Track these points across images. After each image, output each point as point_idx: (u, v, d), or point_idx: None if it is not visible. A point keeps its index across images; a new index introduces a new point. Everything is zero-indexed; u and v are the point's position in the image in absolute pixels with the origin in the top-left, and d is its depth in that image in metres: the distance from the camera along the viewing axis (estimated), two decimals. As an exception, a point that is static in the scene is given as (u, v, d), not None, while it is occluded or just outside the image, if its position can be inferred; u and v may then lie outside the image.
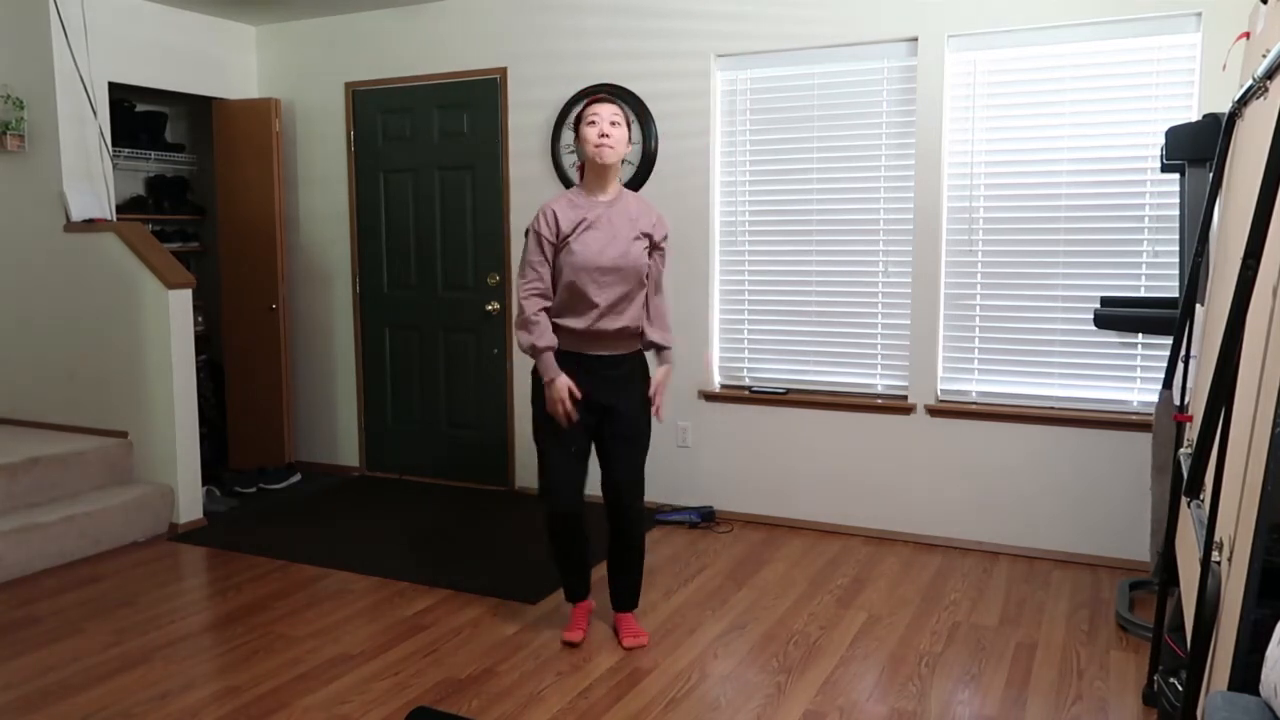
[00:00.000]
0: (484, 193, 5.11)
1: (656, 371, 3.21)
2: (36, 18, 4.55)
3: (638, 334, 3.18)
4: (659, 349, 3.22)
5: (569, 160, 4.85)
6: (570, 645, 3.24)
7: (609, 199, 3.10)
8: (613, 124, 3.03)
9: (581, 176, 3.15)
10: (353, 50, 5.33)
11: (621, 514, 3.20)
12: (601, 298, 3.04)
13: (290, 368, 5.56)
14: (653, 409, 3.19)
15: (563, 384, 3.03)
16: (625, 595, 3.32)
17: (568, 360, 3.10)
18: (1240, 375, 1.75)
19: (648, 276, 3.16)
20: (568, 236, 3.04)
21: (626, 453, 3.17)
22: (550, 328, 3.07)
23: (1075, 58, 3.91)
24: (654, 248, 3.16)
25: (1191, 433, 2.67)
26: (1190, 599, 2.04)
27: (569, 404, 3.04)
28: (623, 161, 3.12)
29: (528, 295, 3.06)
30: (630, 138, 3.12)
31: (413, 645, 3.26)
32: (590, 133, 3.02)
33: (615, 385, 3.14)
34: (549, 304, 3.08)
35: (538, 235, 3.08)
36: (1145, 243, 3.88)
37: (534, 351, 3.06)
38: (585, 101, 3.13)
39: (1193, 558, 2.05)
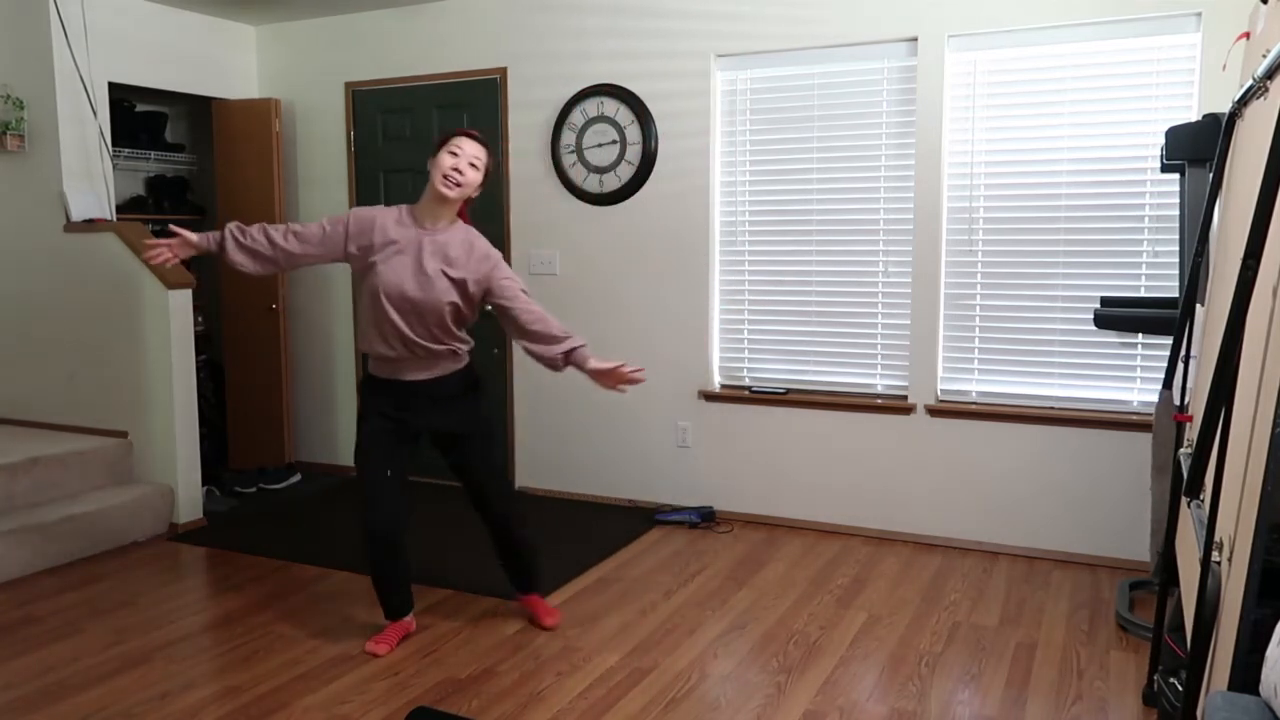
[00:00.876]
0: (483, 192, 5.08)
1: (592, 364, 3.01)
2: (36, 18, 4.55)
3: (451, 356, 3.13)
4: (569, 355, 3.01)
5: (569, 160, 4.85)
6: (373, 655, 3.17)
7: (431, 231, 3.03)
8: (471, 165, 2.99)
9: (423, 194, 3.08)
10: (353, 50, 5.33)
11: (487, 511, 3.30)
12: (404, 325, 3.01)
13: (290, 368, 5.55)
14: (627, 377, 2.98)
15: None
16: (519, 578, 3.40)
17: (382, 389, 3.13)
18: (1240, 375, 1.75)
19: (496, 300, 3.05)
20: (374, 254, 3.02)
21: (480, 464, 3.26)
22: (243, 235, 3.04)
23: (1075, 58, 3.91)
24: (487, 283, 3.04)
25: (1191, 433, 2.67)
26: (1190, 599, 2.04)
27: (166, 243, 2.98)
28: (474, 192, 3.08)
29: (304, 232, 3.08)
30: (480, 185, 3.06)
31: (413, 645, 3.26)
32: (445, 161, 2.96)
33: (441, 409, 3.16)
34: (271, 231, 3.06)
35: (340, 217, 3.08)
36: (1145, 243, 3.88)
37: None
38: (455, 132, 3.05)
39: (1193, 558, 2.05)
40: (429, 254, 3.01)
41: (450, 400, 3.18)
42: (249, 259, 3.06)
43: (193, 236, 3.03)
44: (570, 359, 3.02)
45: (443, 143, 3.01)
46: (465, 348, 3.18)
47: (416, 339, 3.04)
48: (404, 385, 3.12)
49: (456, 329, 3.10)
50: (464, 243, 3.07)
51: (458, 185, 2.98)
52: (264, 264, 3.08)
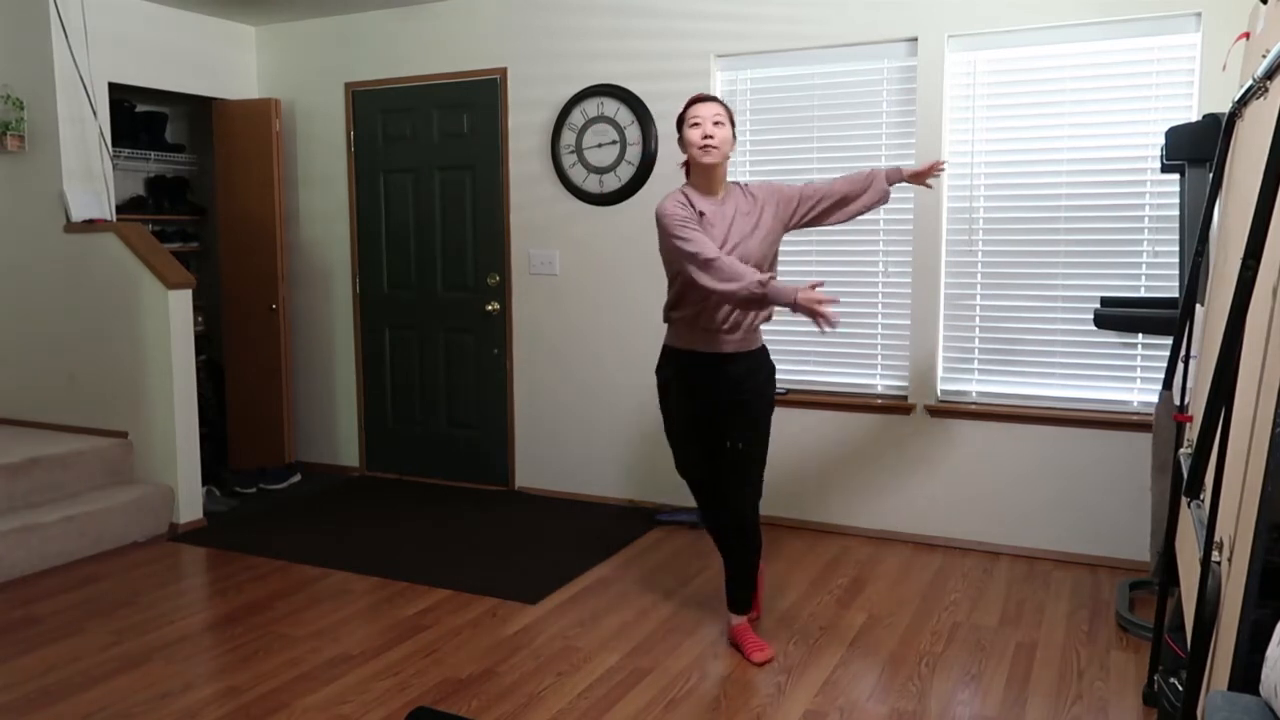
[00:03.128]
0: (484, 193, 5.11)
1: (906, 170, 3.17)
2: (36, 18, 4.55)
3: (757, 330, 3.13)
4: (888, 175, 3.15)
5: (569, 160, 4.85)
6: (767, 662, 3.12)
7: (719, 200, 3.06)
8: (716, 124, 2.99)
9: (688, 175, 3.12)
10: (353, 50, 5.33)
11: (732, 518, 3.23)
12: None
13: (290, 368, 5.55)
14: (937, 169, 3.15)
15: (800, 288, 2.79)
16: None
17: (692, 360, 3.09)
18: (1240, 375, 1.75)
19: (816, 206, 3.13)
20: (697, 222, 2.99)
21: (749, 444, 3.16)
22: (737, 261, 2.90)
23: (1075, 58, 3.91)
24: (791, 200, 3.10)
25: (1191, 433, 2.66)
26: (1190, 599, 2.04)
27: (818, 294, 2.78)
28: (728, 159, 3.07)
29: (697, 241, 2.88)
30: (733, 136, 3.07)
31: (413, 645, 3.26)
32: (694, 135, 2.98)
33: (739, 383, 3.11)
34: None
35: (676, 216, 2.96)
36: (1145, 243, 3.88)
37: (757, 287, 2.80)
38: (688, 102, 3.06)
39: (1193, 558, 2.05)
40: (731, 219, 3.03)
41: (748, 377, 3.14)
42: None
43: (796, 286, 2.84)
44: (891, 177, 3.16)
45: (681, 122, 3.04)
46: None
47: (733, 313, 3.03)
48: (718, 358, 3.09)
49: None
50: (744, 194, 3.10)
51: (715, 148, 2.98)
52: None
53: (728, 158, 3.06)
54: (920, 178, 3.19)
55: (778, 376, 4.53)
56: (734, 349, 3.08)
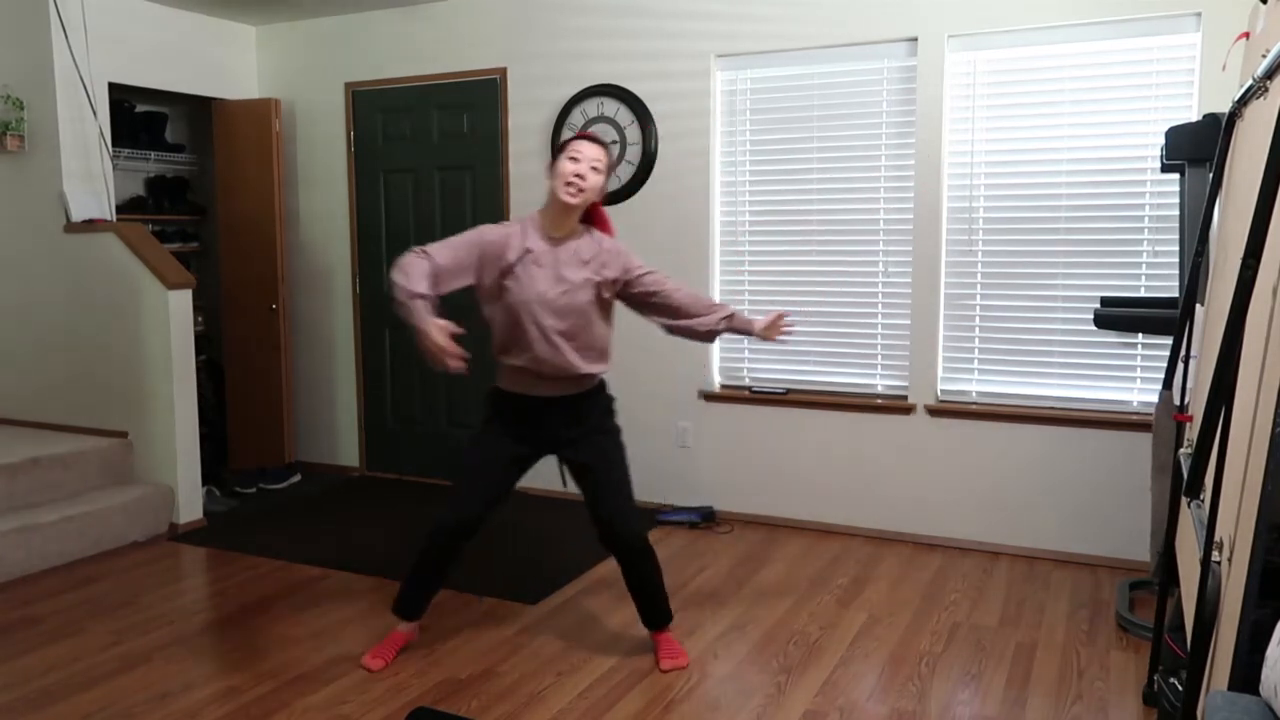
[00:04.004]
0: (484, 193, 5.11)
1: (757, 324, 3.06)
2: (36, 18, 4.55)
3: (591, 371, 3.03)
4: (726, 321, 3.03)
5: (569, 160, 4.85)
6: (367, 670, 3.06)
7: (558, 242, 2.95)
8: (593, 169, 2.89)
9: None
10: (353, 50, 5.33)
11: (615, 541, 3.05)
12: (547, 333, 2.92)
13: (290, 368, 5.55)
14: (782, 326, 3.01)
15: (435, 326, 2.73)
16: (648, 613, 3.16)
17: (516, 404, 3.03)
18: (1240, 375, 1.75)
19: (643, 294, 3.02)
20: (513, 264, 2.91)
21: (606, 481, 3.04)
22: (426, 273, 2.81)
23: (1075, 58, 3.91)
24: (625, 283, 3.00)
25: (1191, 433, 2.67)
26: (1190, 599, 2.05)
27: (444, 343, 2.72)
28: (609, 179, 3.00)
29: (430, 251, 2.85)
30: (605, 186, 2.99)
31: (413, 646, 3.26)
32: (567, 167, 2.87)
33: (570, 425, 3.04)
34: (434, 264, 2.85)
35: (478, 231, 2.94)
36: (1145, 243, 3.88)
37: (405, 297, 2.76)
38: (577, 134, 2.99)
39: (1193, 558, 2.05)
40: (565, 262, 2.93)
41: (584, 417, 3.07)
42: (431, 281, 2.87)
43: (436, 321, 2.77)
44: (732, 324, 3.05)
45: (562, 148, 2.93)
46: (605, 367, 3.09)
47: (562, 350, 2.94)
48: (541, 401, 3.02)
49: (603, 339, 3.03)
50: (591, 243, 3.00)
51: (580, 192, 2.87)
52: (434, 281, 2.88)
53: (587, 204, 2.97)
54: (769, 332, 3.06)
55: (778, 377, 4.57)
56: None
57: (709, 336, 3.10)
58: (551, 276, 2.92)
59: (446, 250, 2.89)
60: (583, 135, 2.97)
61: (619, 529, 3.00)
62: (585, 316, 2.95)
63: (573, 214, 2.95)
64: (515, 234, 2.95)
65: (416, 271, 2.81)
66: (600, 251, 2.99)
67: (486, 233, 2.95)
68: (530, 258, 2.92)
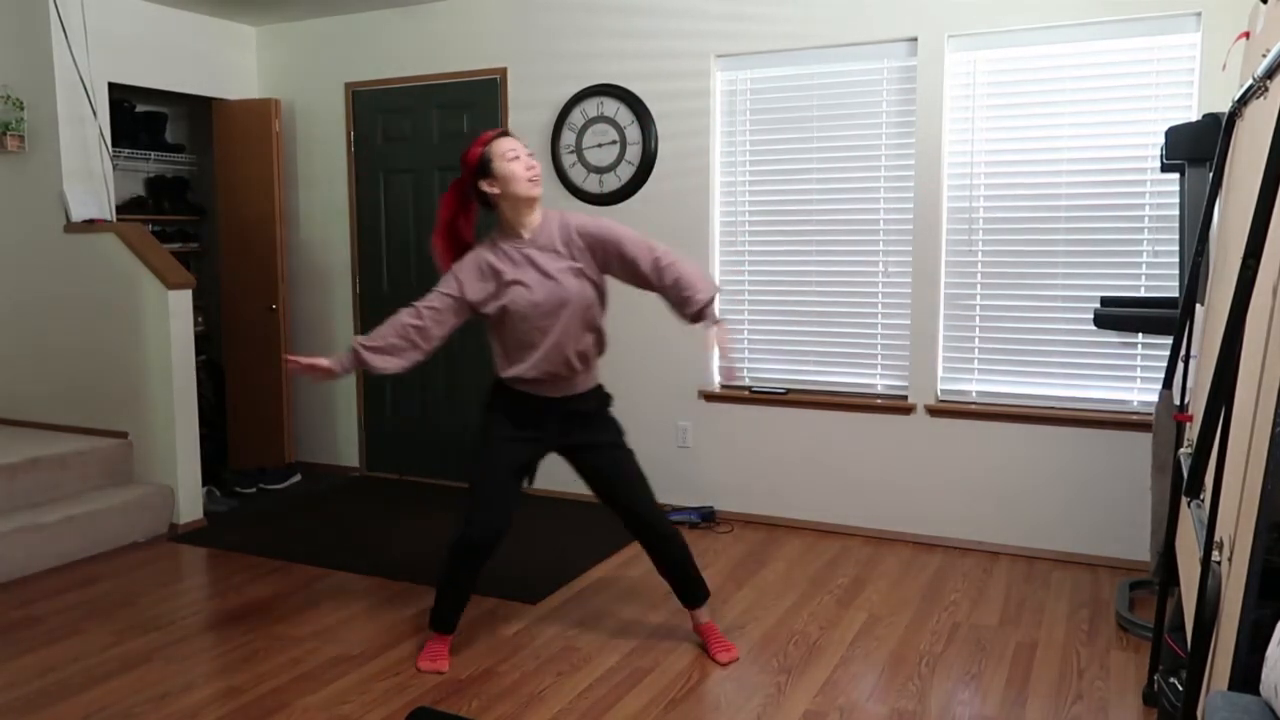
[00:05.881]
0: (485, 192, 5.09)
1: (712, 333, 2.90)
2: (36, 18, 4.55)
3: (592, 365, 3.06)
4: (700, 307, 2.92)
5: (569, 160, 4.85)
6: (439, 673, 3.07)
7: (528, 240, 2.96)
8: (530, 154, 2.94)
9: (461, 241, 3.04)
10: (353, 50, 5.33)
11: (642, 527, 3.12)
12: (547, 335, 2.93)
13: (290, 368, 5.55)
14: (725, 370, 2.96)
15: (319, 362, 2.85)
16: (687, 591, 3.18)
17: (519, 402, 3.03)
18: (1240, 375, 1.75)
19: (630, 265, 2.95)
20: (497, 286, 2.93)
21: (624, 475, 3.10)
22: (372, 341, 2.90)
23: (1075, 58, 3.91)
24: (599, 251, 2.96)
25: (1191, 433, 2.67)
26: (1190, 599, 2.05)
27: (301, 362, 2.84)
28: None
29: (415, 312, 2.92)
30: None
31: (413, 645, 3.26)
32: (517, 168, 2.88)
33: (583, 423, 3.08)
34: (404, 319, 2.92)
35: (454, 273, 2.96)
36: (1145, 243, 3.88)
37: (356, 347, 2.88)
38: (487, 139, 2.94)
39: (1193, 558, 2.05)
40: (543, 259, 2.95)
41: (588, 413, 3.10)
42: (391, 359, 2.91)
43: (324, 363, 2.88)
44: (705, 314, 2.93)
45: (483, 161, 2.91)
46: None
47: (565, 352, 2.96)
48: (544, 401, 3.04)
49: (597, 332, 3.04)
50: (561, 227, 2.98)
51: (538, 177, 2.94)
52: (410, 355, 2.92)
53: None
54: (719, 343, 2.93)
55: (778, 377, 4.57)
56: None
57: (682, 311, 2.98)
58: (536, 278, 2.93)
59: (431, 315, 2.93)
60: (497, 135, 2.95)
61: (643, 514, 3.08)
62: (577, 307, 2.95)
63: (536, 206, 2.97)
64: (484, 262, 2.96)
65: (389, 333, 2.90)
66: (568, 232, 2.97)
67: (460, 265, 2.97)
68: (509, 272, 2.93)
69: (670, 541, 3.12)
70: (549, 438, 3.09)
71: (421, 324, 2.92)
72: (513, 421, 3.06)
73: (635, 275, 2.98)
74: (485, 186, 2.95)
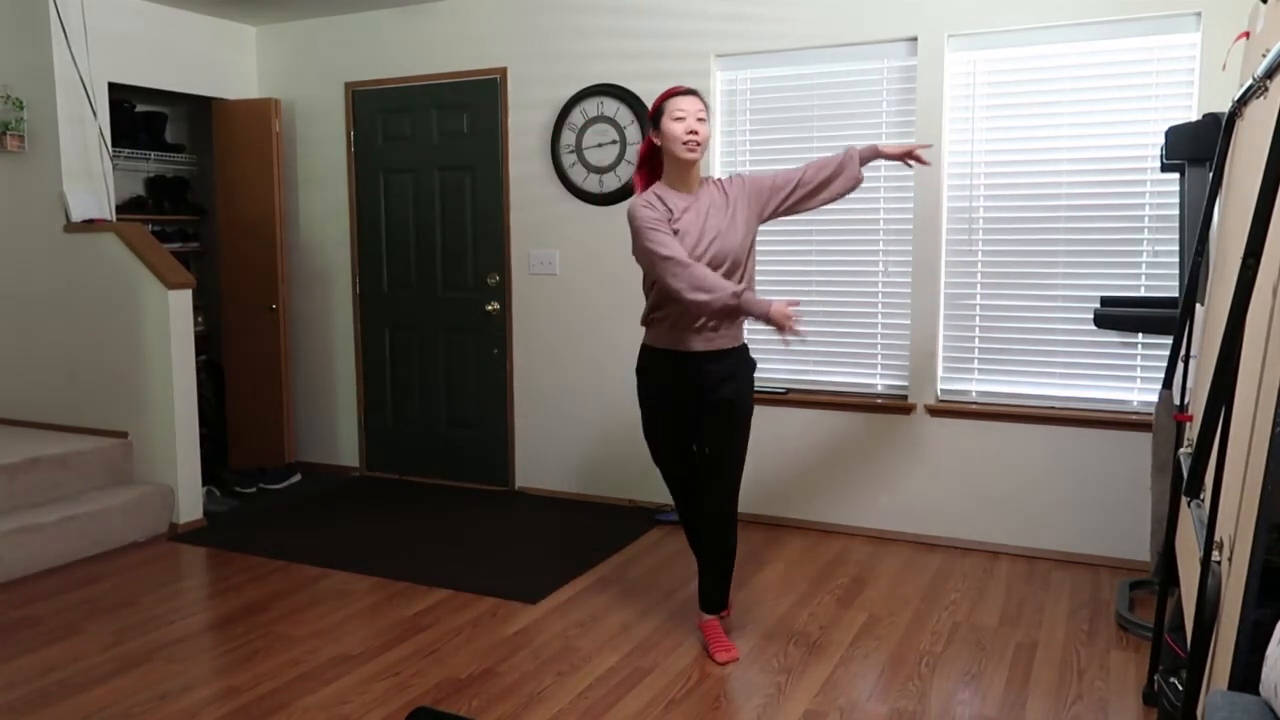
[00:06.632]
0: (484, 193, 5.11)
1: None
2: (36, 18, 4.55)
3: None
4: (861, 156, 3.13)
5: (569, 160, 4.85)
6: (733, 661, 3.13)
7: (693, 196, 3.03)
8: (699, 119, 2.96)
9: (659, 173, 3.08)
10: (353, 50, 5.33)
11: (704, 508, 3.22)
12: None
13: (290, 368, 5.55)
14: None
15: (776, 304, 2.85)
16: (715, 592, 3.25)
17: (672, 359, 3.07)
18: (1240, 375, 1.75)
19: (789, 196, 3.10)
20: (676, 220, 2.98)
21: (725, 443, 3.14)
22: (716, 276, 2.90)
23: (1075, 58, 3.91)
24: (764, 192, 3.07)
25: (1191, 432, 2.66)
26: (1190, 599, 2.05)
27: (791, 310, 2.86)
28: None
29: (670, 246, 2.89)
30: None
31: (413, 645, 3.26)
32: (678, 129, 2.94)
33: (716, 380, 3.09)
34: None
35: (648, 218, 2.96)
36: (1145, 243, 3.88)
37: (731, 299, 2.84)
38: (668, 93, 3.01)
39: (1193, 558, 2.05)
40: (708, 212, 3.01)
41: (730, 373, 3.12)
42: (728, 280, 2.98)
43: (774, 301, 2.88)
44: (865, 155, 3.15)
45: (656, 113, 2.99)
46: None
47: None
48: (688, 355, 3.08)
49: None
50: (717, 188, 3.08)
51: (699, 145, 2.97)
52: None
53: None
54: (904, 158, 3.15)
55: (778, 376, 4.57)
56: (712, 346, 3.06)
57: (856, 185, 3.16)
58: (699, 229, 2.99)
59: (677, 244, 2.95)
60: (677, 91, 3.02)
61: (718, 497, 3.14)
62: (737, 260, 3.02)
63: (696, 169, 3.04)
64: (656, 202, 3.01)
65: (705, 273, 2.88)
66: (728, 194, 3.07)
67: (653, 211, 2.98)
68: (678, 218, 2.99)
69: (722, 548, 3.24)
70: (690, 390, 3.14)
71: (685, 256, 2.93)
72: (659, 377, 3.17)
73: (792, 193, 3.12)
74: (654, 136, 3.04)
